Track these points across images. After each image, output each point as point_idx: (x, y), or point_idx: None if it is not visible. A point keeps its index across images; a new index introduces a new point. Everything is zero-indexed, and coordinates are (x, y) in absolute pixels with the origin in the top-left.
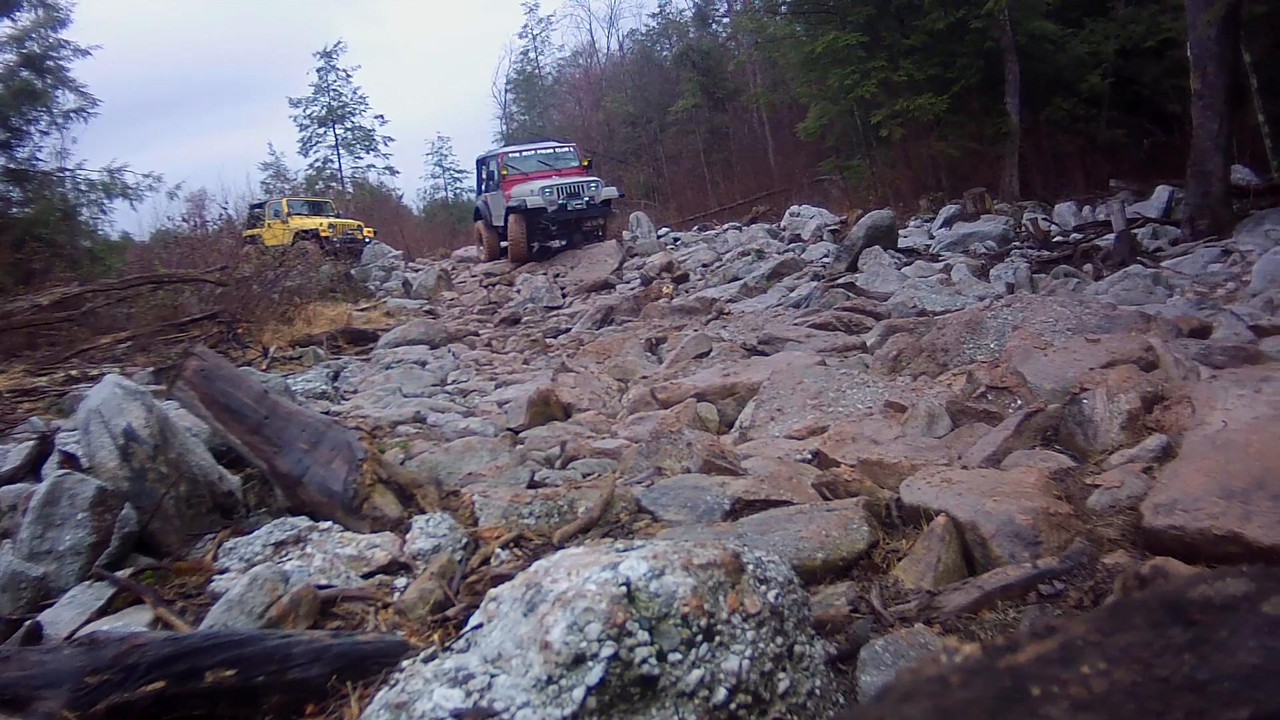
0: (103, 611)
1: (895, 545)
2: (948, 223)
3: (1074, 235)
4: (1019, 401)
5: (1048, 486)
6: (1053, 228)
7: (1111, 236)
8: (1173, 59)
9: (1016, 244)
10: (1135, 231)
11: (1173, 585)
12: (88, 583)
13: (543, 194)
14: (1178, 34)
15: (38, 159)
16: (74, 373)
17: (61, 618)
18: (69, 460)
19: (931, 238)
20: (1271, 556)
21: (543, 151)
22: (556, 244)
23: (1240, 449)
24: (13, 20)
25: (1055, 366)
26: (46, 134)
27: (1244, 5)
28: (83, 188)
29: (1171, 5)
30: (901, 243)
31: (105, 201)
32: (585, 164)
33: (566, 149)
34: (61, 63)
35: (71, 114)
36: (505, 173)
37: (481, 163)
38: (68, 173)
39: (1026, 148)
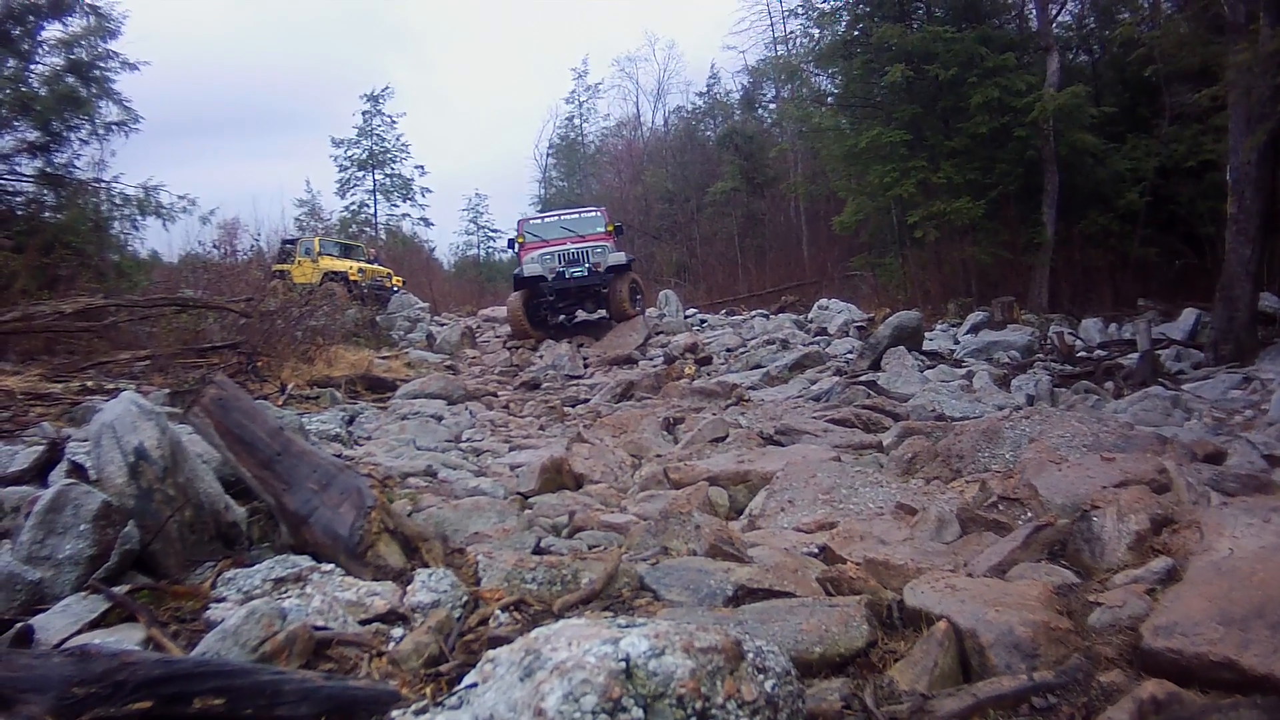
0: (95, 624)
1: (893, 646)
2: (974, 329)
3: (1098, 352)
4: (1029, 514)
5: (1050, 601)
6: (1078, 342)
7: (1135, 356)
8: (1211, 181)
9: (1040, 356)
10: (1159, 353)
11: (1187, 712)
12: (83, 594)
13: (541, 261)
14: (1218, 156)
15: (75, 166)
16: (90, 383)
17: (53, 625)
18: (77, 470)
19: (957, 343)
20: (1265, 684)
21: (567, 217)
22: (565, 319)
23: (1244, 577)
24: (64, 24)
25: (1068, 482)
26: (86, 143)
27: None
28: (117, 201)
29: (1214, 126)
30: (926, 345)
31: (138, 217)
32: (612, 229)
33: (593, 213)
34: (108, 74)
35: (113, 126)
36: (522, 240)
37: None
38: (103, 184)
39: (1058, 260)
